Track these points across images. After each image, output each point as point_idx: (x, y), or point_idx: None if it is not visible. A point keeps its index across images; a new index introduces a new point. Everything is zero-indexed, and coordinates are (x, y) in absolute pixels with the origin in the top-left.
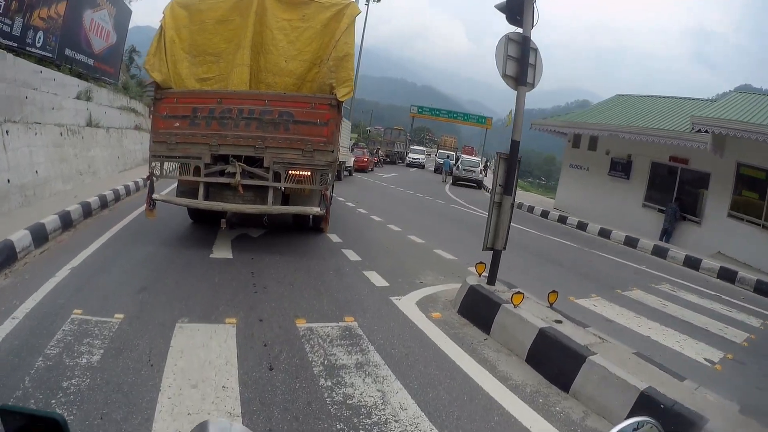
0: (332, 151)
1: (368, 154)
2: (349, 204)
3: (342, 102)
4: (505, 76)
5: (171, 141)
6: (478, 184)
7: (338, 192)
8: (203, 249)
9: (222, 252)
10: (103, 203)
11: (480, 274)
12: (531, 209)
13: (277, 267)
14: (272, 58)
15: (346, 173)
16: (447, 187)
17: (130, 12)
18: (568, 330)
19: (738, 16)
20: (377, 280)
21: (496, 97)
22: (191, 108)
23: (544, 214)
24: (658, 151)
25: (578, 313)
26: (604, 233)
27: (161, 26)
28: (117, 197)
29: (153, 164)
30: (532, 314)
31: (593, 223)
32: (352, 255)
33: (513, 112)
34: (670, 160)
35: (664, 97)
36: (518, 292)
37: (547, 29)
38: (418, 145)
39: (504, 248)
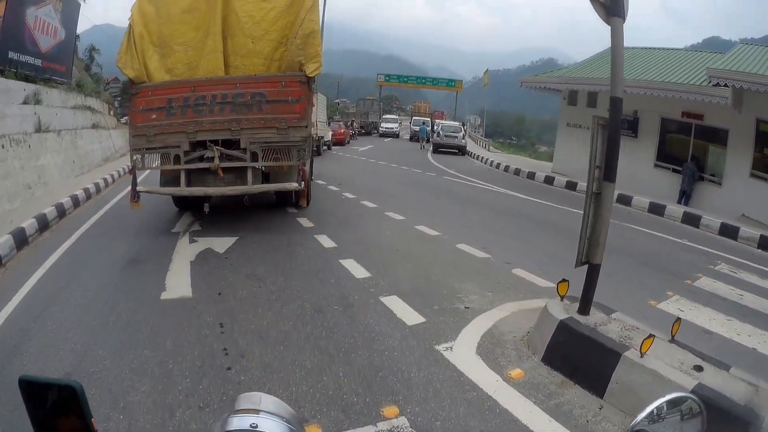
0: (306, 126)
1: (344, 127)
2: (333, 188)
3: (312, 78)
4: (594, 1)
5: (150, 133)
6: (461, 150)
7: (318, 172)
8: (152, 283)
9: (178, 286)
10: (43, 226)
11: (562, 297)
12: (531, 175)
13: (255, 307)
14: (239, 40)
15: (325, 147)
16: (429, 155)
17: (78, 5)
18: (718, 381)
19: None
20: (405, 312)
21: (462, 61)
22: (166, 99)
23: (549, 180)
24: (669, 105)
25: (669, 322)
26: (624, 200)
27: (130, 24)
28: (61, 214)
29: (135, 157)
30: (665, 364)
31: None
32: (355, 268)
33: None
34: (682, 116)
35: (663, 48)
36: (649, 336)
37: None
38: (389, 113)
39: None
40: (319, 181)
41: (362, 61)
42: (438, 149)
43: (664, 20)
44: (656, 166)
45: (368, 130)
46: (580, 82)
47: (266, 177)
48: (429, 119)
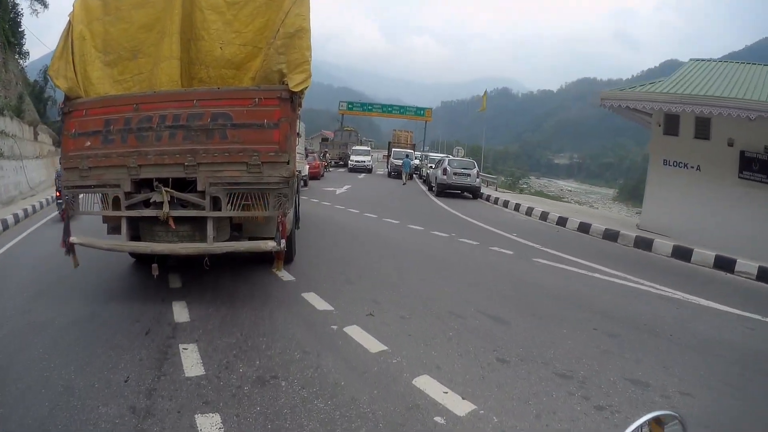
0: (287, 162)
1: (318, 159)
2: (319, 304)
3: (297, 94)
4: None
5: (83, 166)
6: (473, 193)
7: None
8: None
9: None
10: None
11: None
12: (612, 236)
13: None
14: (204, 45)
15: (301, 183)
16: (434, 198)
17: None
18: None
19: None
20: None
21: (415, 92)
22: (103, 120)
23: (643, 244)
24: None
25: None
26: None
27: (69, 21)
28: None
29: (66, 197)
30: None
31: (726, 253)
32: None
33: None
34: None
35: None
36: None
37: (461, 21)
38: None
39: None
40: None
41: (317, 92)
42: (444, 191)
43: (619, 47)
44: None
45: (346, 161)
46: (688, 101)
47: (237, 227)
48: (412, 151)
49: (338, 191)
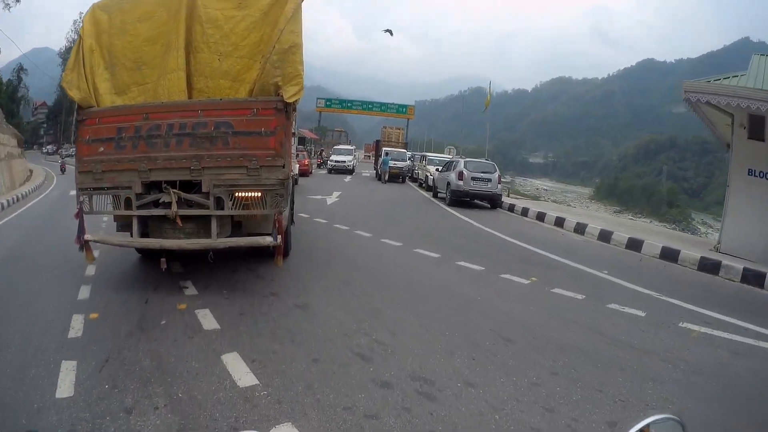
0: (282, 166)
1: (307, 158)
2: None
3: (291, 104)
4: None
5: (97, 170)
6: (493, 201)
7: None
8: None
9: None
10: None
11: None
12: (713, 267)
13: None
14: (204, 57)
15: (295, 183)
16: (445, 207)
17: None
18: None
19: None
20: None
21: (389, 92)
22: (115, 128)
23: (755, 279)
24: None
25: None
26: None
27: (80, 35)
28: None
29: (81, 198)
30: None
31: None
32: None
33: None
34: None
35: None
36: None
37: (436, 21)
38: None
39: None
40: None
41: None
42: (460, 199)
43: (597, 45)
44: None
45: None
46: None
47: (238, 224)
48: (405, 151)
49: (329, 200)
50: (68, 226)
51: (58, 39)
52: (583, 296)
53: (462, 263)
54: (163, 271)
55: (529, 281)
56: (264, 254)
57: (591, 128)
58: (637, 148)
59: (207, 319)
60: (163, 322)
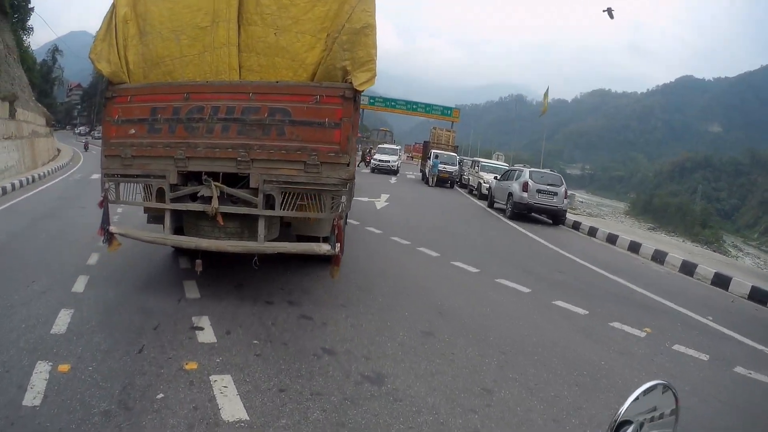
0: (347, 164)
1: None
2: None
3: (360, 93)
4: None
5: (126, 154)
6: (556, 218)
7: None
8: None
9: None
10: None
11: None
12: None
13: None
14: (256, 30)
15: None
16: (506, 220)
17: None
18: None
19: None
20: None
21: (429, 93)
22: (150, 108)
23: None
24: None
25: None
26: None
27: (113, 3)
28: None
29: (106, 185)
30: None
31: None
32: None
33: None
34: None
35: None
36: None
37: (473, 26)
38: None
39: None
40: None
41: None
42: (522, 213)
43: (635, 58)
44: None
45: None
46: None
47: (286, 225)
48: (455, 155)
49: (377, 204)
50: (69, 219)
51: (95, 23)
52: (707, 356)
53: (560, 303)
54: (198, 274)
55: (643, 333)
56: (303, 258)
57: (628, 142)
58: (673, 165)
59: (229, 399)
60: (160, 395)
